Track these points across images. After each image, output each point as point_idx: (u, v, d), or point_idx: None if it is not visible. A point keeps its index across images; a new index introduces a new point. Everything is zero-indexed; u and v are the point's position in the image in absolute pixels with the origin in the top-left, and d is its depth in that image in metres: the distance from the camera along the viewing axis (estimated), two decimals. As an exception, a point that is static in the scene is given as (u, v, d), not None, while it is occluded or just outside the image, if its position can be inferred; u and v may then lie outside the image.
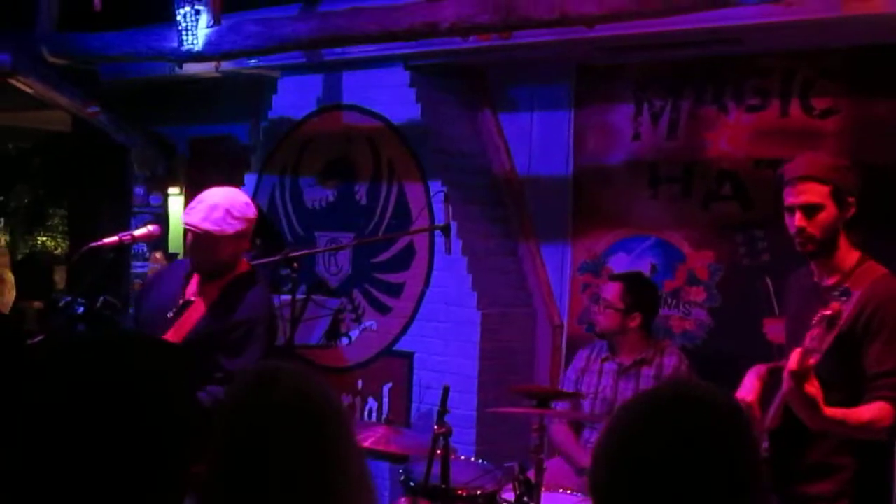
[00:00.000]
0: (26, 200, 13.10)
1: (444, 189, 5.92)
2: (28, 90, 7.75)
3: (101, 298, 4.57)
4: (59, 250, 12.83)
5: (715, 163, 6.15)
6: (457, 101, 7.03)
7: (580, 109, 6.67)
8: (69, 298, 4.61)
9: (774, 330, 5.61)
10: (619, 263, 6.41)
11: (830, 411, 3.42)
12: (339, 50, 6.74)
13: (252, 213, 4.51)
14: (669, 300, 6.24)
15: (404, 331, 6.73)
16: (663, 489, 1.77)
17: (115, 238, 4.62)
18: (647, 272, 6.18)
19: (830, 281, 3.69)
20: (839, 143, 5.70)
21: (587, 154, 6.64)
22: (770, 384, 3.79)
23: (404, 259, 6.76)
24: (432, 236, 6.56)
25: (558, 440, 5.63)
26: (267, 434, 1.97)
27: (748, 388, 3.80)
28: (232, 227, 4.39)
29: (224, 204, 4.40)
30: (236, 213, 4.41)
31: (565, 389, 5.74)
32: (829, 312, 3.26)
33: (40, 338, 4.47)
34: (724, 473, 1.79)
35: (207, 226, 4.36)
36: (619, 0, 5.21)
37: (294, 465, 1.96)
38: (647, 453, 1.80)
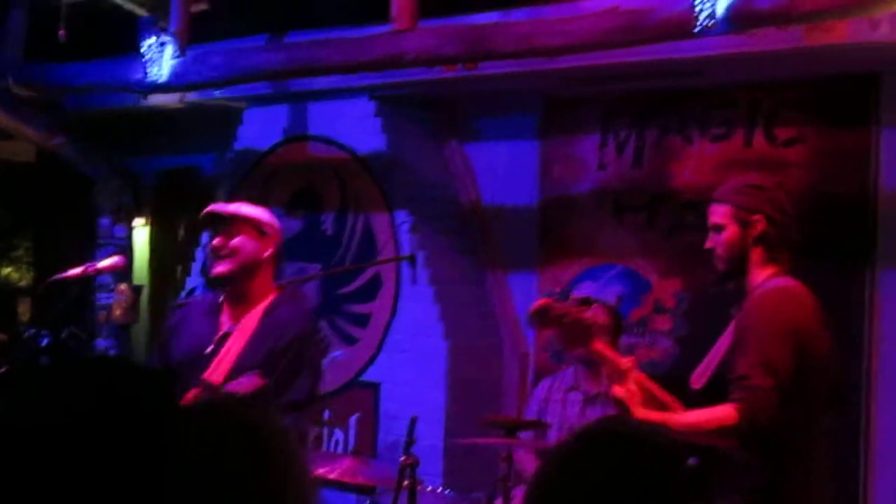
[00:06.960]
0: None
1: (411, 220, 5.92)
2: (-8, 121, 7.70)
3: (66, 330, 4.54)
4: (23, 281, 12.71)
5: (680, 192, 6.18)
6: (423, 131, 7.04)
7: (546, 140, 6.70)
8: (34, 330, 4.57)
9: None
10: (586, 292, 6.40)
11: (645, 414, 3.47)
12: (304, 81, 6.73)
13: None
14: (636, 329, 6.25)
15: (371, 361, 6.69)
16: None
17: (79, 270, 4.53)
18: (613, 301, 6.20)
19: (747, 300, 3.71)
20: (803, 173, 5.74)
21: (553, 184, 6.66)
22: None
23: (371, 290, 6.74)
24: (399, 267, 6.55)
25: (526, 469, 5.61)
26: (216, 467, 1.95)
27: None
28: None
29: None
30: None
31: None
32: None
33: (3, 370, 4.43)
34: None
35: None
36: (583, 32, 5.25)
37: (244, 499, 1.94)
38: (579, 495, 1.81)
